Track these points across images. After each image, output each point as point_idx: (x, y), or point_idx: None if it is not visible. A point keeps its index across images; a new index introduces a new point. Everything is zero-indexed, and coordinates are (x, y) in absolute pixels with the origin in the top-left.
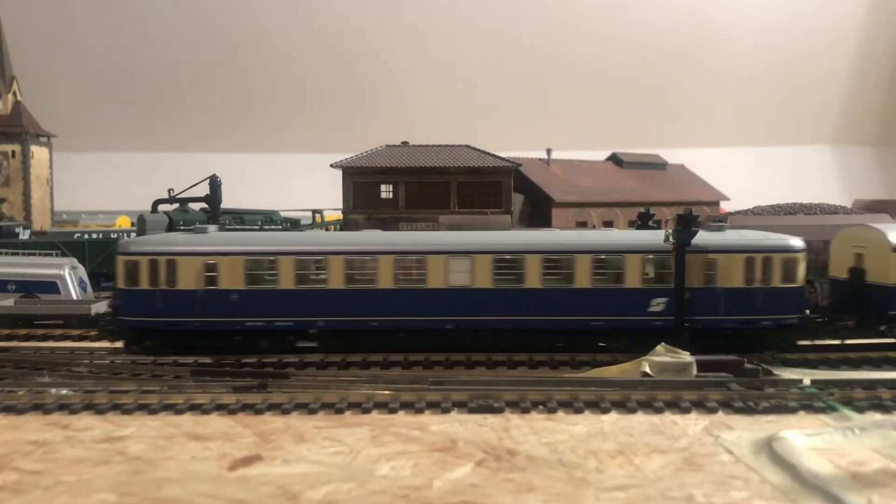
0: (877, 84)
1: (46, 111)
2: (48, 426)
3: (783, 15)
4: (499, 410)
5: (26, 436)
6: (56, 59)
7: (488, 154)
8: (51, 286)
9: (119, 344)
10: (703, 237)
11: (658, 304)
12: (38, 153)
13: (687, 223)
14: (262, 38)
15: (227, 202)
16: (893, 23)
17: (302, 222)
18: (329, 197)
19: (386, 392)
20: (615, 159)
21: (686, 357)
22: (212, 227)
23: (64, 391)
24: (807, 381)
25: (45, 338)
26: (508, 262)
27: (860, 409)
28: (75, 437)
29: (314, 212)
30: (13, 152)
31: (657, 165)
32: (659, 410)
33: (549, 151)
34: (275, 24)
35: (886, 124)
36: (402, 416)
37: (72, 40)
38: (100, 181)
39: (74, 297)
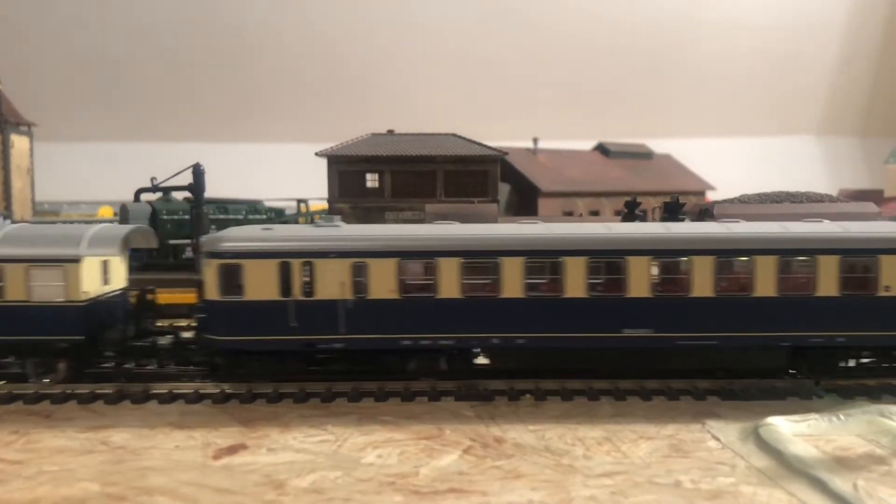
0: (862, 75)
1: (27, 100)
2: (30, 416)
3: (769, 6)
4: (486, 398)
5: (8, 426)
6: (37, 47)
7: (475, 143)
8: None
9: None
10: None
11: None
12: (19, 142)
13: (673, 211)
14: (245, 27)
15: (211, 192)
16: (878, 13)
17: (287, 212)
18: (314, 186)
19: (372, 382)
20: (602, 149)
21: None
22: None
23: (46, 380)
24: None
25: None
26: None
27: (845, 396)
28: (58, 426)
29: (299, 201)
30: None
31: (643, 155)
32: (646, 398)
33: (535, 141)
34: (259, 12)
35: (871, 115)
36: (388, 405)
37: (53, 28)
38: (81, 171)
39: None
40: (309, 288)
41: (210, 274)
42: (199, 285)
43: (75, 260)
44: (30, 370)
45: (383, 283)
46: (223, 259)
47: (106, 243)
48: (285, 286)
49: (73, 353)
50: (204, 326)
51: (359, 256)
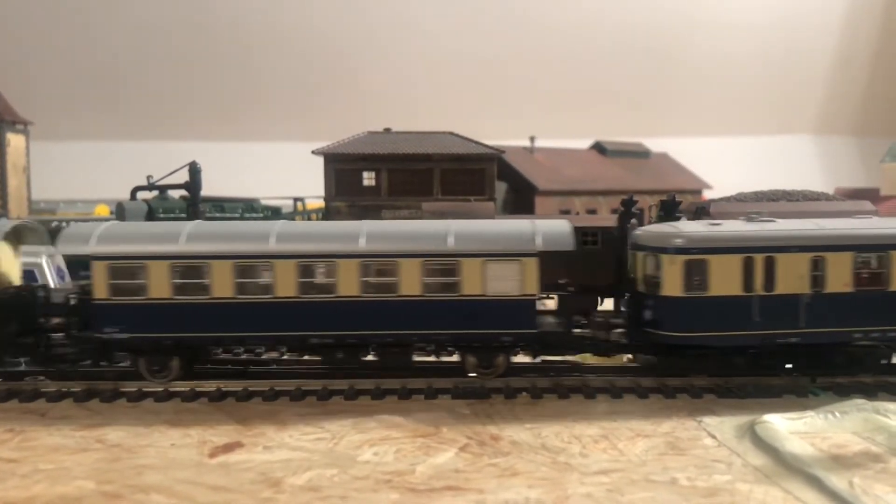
0: (859, 75)
1: (23, 99)
2: (26, 414)
3: (767, 6)
4: (483, 396)
5: (3, 424)
6: (33, 45)
7: (472, 141)
8: (28, 275)
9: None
10: None
11: None
12: (15, 141)
13: (670, 209)
14: (243, 25)
15: (207, 190)
16: (875, 14)
17: (283, 210)
18: (310, 184)
19: (368, 380)
20: (599, 148)
21: None
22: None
23: (42, 378)
24: (788, 367)
25: None
26: None
27: (841, 394)
28: (53, 424)
29: (296, 199)
30: None
31: (640, 154)
32: (643, 395)
33: (532, 140)
34: (256, 11)
35: (868, 115)
36: (385, 403)
37: (49, 27)
38: (78, 169)
39: (52, 286)
40: (769, 282)
41: (672, 270)
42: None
43: (533, 255)
44: (470, 364)
45: (839, 276)
46: (689, 255)
47: (556, 240)
48: (748, 281)
49: (513, 348)
50: (655, 322)
51: (817, 251)
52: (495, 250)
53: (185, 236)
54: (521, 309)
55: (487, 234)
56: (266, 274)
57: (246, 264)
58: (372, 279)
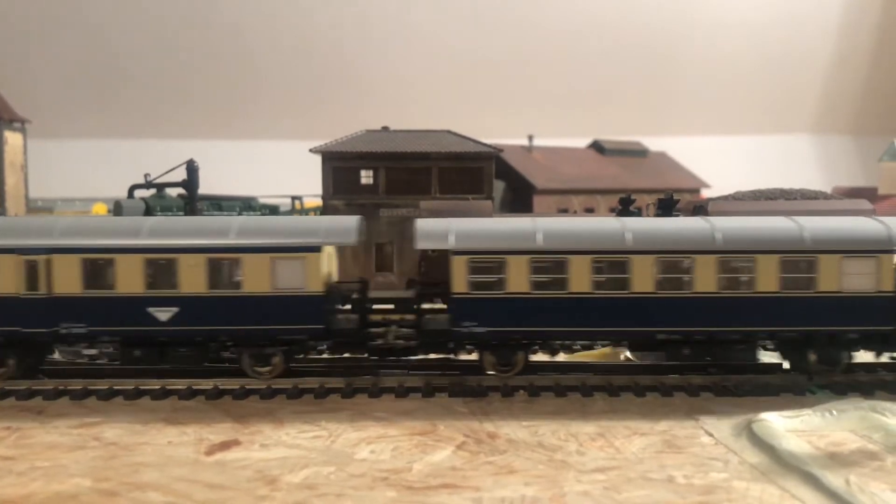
0: (856, 74)
1: (20, 97)
2: (22, 412)
3: (765, 5)
4: (480, 394)
5: (0, 421)
6: (31, 44)
7: (470, 140)
8: None
9: None
10: None
11: None
12: (12, 139)
13: (668, 208)
14: (241, 24)
15: (205, 188)
16: (873, 13)
17: (281, 209)
18: (308, 183)
19: (366, 377)
20: (597, 146)
21: None
22: None
23: (39, 376)
24: (787, 365)
25: None
26: None
27: (839, 392)
28: (50, 422)
29: (293, 198)
30: None
31: (638, 153)
32: (640, 394)
33: (530, 138)
34: (255, 10)
35: (865, 114)
36: (382, 401)
37: (47, 25)
38: (75, 168)
39: None
40: None
41: None
42: None
43: (890, 251)
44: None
45: None
46: None
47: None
48: None
49: (857, 344)
50: None
51: None
52: (853, 247)
53: (542, 233)
54: (876, 305)
55: (845, 232)
56: (622, 270)
57: (603, 260)
58: (726, 275)
